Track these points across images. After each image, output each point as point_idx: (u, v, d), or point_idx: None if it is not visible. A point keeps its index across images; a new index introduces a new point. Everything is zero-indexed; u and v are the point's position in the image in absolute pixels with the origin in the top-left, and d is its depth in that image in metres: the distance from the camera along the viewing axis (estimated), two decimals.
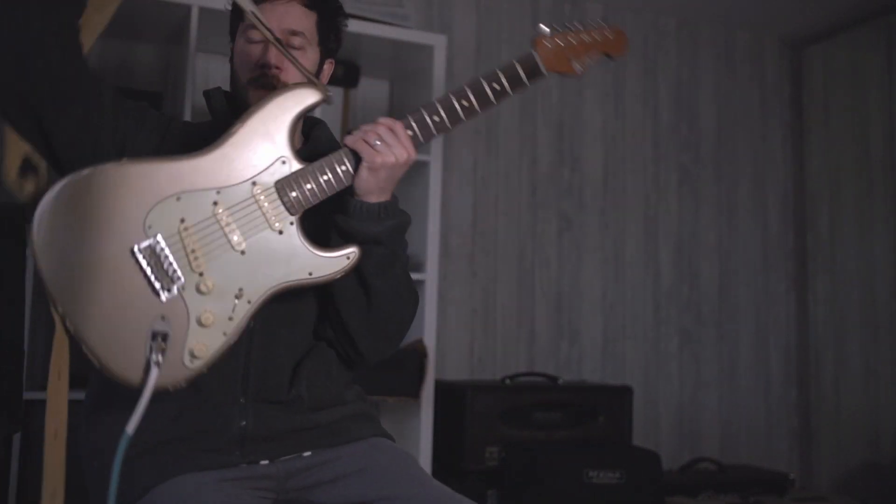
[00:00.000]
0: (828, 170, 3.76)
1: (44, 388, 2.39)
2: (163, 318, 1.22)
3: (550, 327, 3.40)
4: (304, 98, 1.32)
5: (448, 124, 1.35)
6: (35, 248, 1.22)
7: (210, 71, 2.92)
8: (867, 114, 3.58)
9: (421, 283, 2.67)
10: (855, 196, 3.61)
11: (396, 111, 3.13)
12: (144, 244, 1.23)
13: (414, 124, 1.34)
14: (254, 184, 1.28)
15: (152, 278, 1.22)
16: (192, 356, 1.22)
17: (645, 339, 3.56)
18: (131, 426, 1.17)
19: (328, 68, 1.54)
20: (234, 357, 1.33)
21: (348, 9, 2.74)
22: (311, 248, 1.29)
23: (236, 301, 1.25)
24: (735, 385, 3.71)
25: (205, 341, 1.23)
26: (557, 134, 3.49)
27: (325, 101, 1.34)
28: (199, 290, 1.24)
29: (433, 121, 1.34)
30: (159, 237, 1.23)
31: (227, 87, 1.53)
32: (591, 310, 3.47)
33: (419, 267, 2.70)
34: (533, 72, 1.41)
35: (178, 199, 1.25)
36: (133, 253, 1.22)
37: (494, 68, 1.39)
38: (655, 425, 3.53)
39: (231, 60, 1.49)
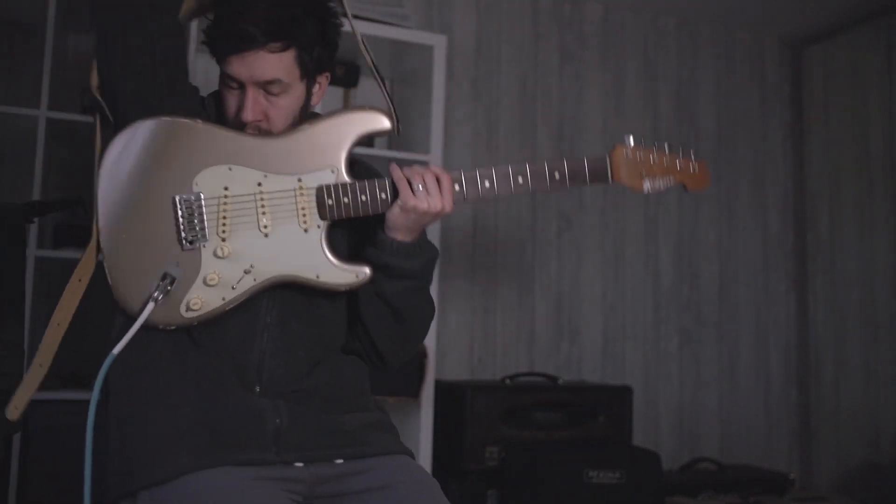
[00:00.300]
0: (828, 170, 3.76)
1: (44, 388, 2.40)
2: (177, 264, 1.33)
3: (550, 327, 3.40)
4: (374, 123, 1.40)
5: (496, 192, 1.41)
6: (102, 165, 1.35)
7: (210, 71, 2.92)
8: (867, 114, 3.58)
9: None
10: (855, 196, 3.61)
11: (396, 110, 3.13)
12: (185, 197, 1.33)
13: (464, 181, 1.40)
14: (299, 180, 1.36)
15: (181, 228, 1.33)
16: (188, 308, 1.32)
17: (645, 339, 3.56)
18: (118, 348, 1.27)
19: (323, 82, 1.49)
20: (249, 348, 1.37)
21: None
22: (327, 253, 1.36)
23: (244, 274, 1.34)
24: (735, 385, 3.71)
25: (204, 298, 1.32)
26: (557, 134, 3.49)
27: (394, 132, 1.41)
28: (215, 253, 1.33)
29: (482, 185, 1.41)
30: (202, 196, 1.34)
31: None
32: (591, 310, 3.47)
33: None
34: (599, 176, 1.45)
35: (230, 168, 1.35)
36: (174, 201, 1.33)
37: (563, 157, 1.43)
38: (655, 425, 3.53)
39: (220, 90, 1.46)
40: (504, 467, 2.78)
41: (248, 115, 1.37)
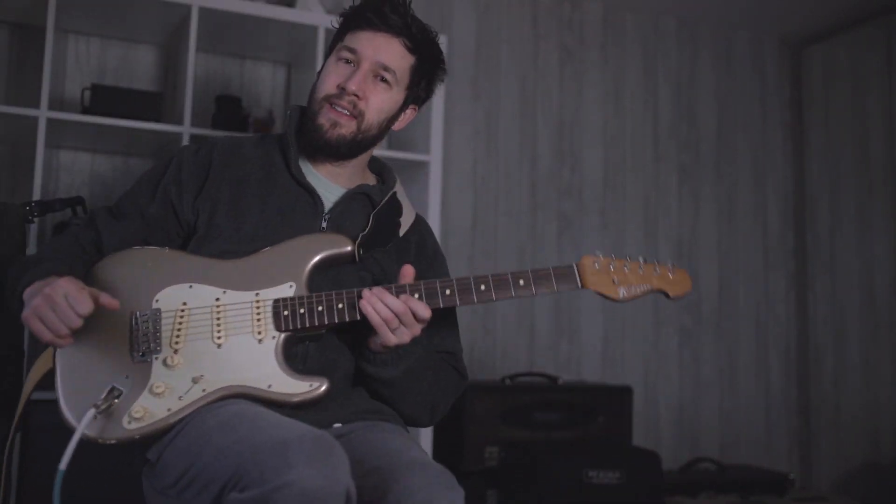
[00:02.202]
0: (828, 170, 3.76)
1: (44, 388, 2.40)
2: (126, 376, 1.32)
3: (550, 327, 3.40)
4: (335, 245, 1.41)
5: (457, 301, 1.40)
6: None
7: (210, 71, 2.92)
8: (867, 114, 3.58)
9: None
10: (855, 196, 3.62)
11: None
12: (143, 312, 1.36)
13: (424, 293, 1.38)
14: (257, 294, 1.38)
15: (134, 342, 1.34)
16: (131, 417, 1.29)
17: (645, 339, 3.56)
18: (63, 463, 1.24)
19: (410, 114, 1.58)
20: None
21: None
22: (280, 364, 1.34)
23: (192, 384, 1.31)
24: (735, 385, 3.71)
25: (148, 408, 1.30)
26: (557, 134, 3.49)
27: (351, 259, 1.41)
28: (165, 363, 1.33)
29: (444, 293, 1.39)
30: (161, 311, 1.36)
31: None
32: (591, 310, 3.47)
33: None
34: (566, 280, 1.43)
35: (191, 286, 1.38)
36: (132, 316, 1.36)
37: (528, 269, 1.43)
38: (655, 425, 3.53)
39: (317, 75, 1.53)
40: (504, 467, 2.78)
41: (354, 84, 1.43)
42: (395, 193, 1.56)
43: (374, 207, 1.51)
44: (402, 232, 1.54)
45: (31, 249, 2.33)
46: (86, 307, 1.24)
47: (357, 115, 1.45)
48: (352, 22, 1.48)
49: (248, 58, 2.98)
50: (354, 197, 1.51)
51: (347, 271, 1.45)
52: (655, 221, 3.63)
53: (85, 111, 2.49)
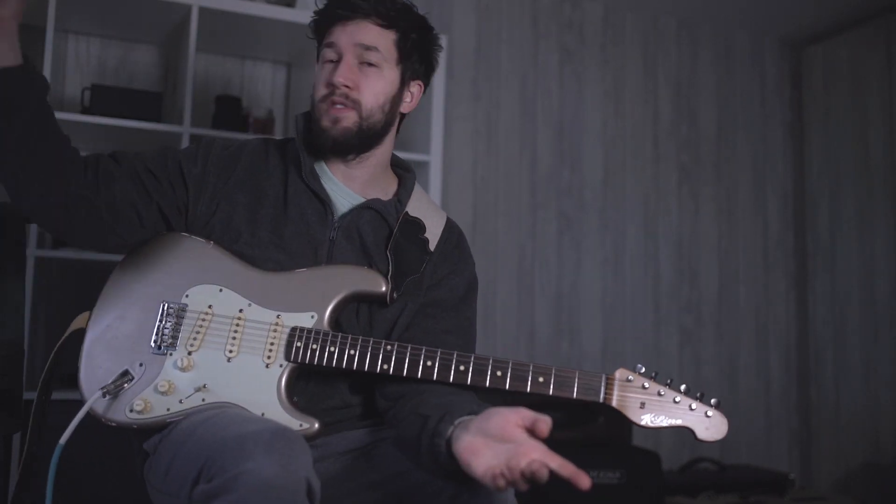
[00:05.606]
0: (828, 170, 3.76)
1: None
2: (141, 364, 1.35)
3: (550, 327, 3.40)
4: (371, 284, 1.40)
5: (468, 380, 1.45)
6: (123, 259, 1.45)
7: (210, 71, 2.92)
8: (867, 114, 3.58)
9: None
10: (855, 196, 3.62)
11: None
12: (172, 304, 1.38)
13: (440, 364, 1.43)
14: (278, 316, 1.37)
15: (158, 331, 1.37)
16: (132, 409, 1.33)
17: (645, 339, 3.56)
18: (64, 437, 1.28)
19: (417, 91, 1.53)
20: None
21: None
22: (279, 395, 1.34)
23: (195, 391, 1.34)
24: (735, 385, 3.71)
25: (150, 402, 1.33)
26: (557, 134, 3.49)
27: (384, 298, 1.39)
28: (177, 364, 1.35)
29: (457, 369, 1.46)
30: (187, 308, 1.38)
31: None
32: (591, 310, 3.47)
33: None
34: (588, 391, 1.39)
35: (221, 290, 1.39)
36: (161, 304, 1.38)
37: (553, 368, 1.36)
38: None
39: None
40: None
41: (340, 77, 1.41)
42: (406, 213, 1.50)
43: (386, 221, 1.48)
44: (432, 246, 1.50)
45: (32, 249, 2.32)
46: None
47: (354, 105, 1.43)
48: (323, 24, 1.48)
49: (248, 58, 2.98)
50: (367, 208, 1.48)
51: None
52: (655, 221, 3.63)
53: (85, 111, 2.49)
